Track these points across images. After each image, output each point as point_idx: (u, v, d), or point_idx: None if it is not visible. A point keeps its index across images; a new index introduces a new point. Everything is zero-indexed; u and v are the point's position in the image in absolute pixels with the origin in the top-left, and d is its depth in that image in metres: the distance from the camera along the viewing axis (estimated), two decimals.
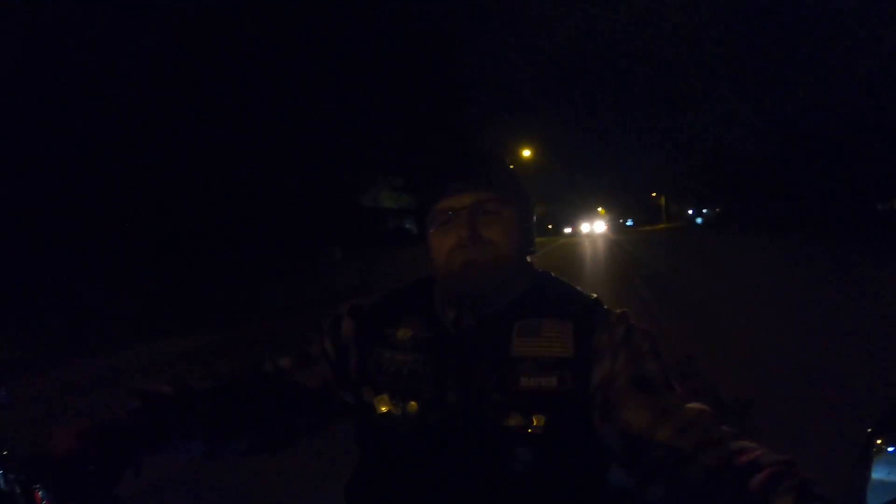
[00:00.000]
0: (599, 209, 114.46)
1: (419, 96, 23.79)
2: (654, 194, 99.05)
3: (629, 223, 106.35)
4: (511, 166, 0.98)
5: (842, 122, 39.12)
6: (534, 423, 0.80)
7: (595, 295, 0.93)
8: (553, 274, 0.99)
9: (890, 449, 0.48)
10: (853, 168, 38.26)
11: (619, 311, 0.90)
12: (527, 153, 36.00)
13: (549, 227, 74.91)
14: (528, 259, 0.98)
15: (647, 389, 0.79)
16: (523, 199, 0.94)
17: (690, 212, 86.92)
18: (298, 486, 2.72)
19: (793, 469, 0.60)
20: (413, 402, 0.86)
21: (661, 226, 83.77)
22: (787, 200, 48.48)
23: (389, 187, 25.75)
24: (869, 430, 0.51)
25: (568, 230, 77.01)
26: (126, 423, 0.78)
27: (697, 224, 77.29)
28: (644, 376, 0.80)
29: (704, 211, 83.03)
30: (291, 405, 0.93)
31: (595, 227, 69.14)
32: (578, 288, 0.95)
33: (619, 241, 36.82)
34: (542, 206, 53.54)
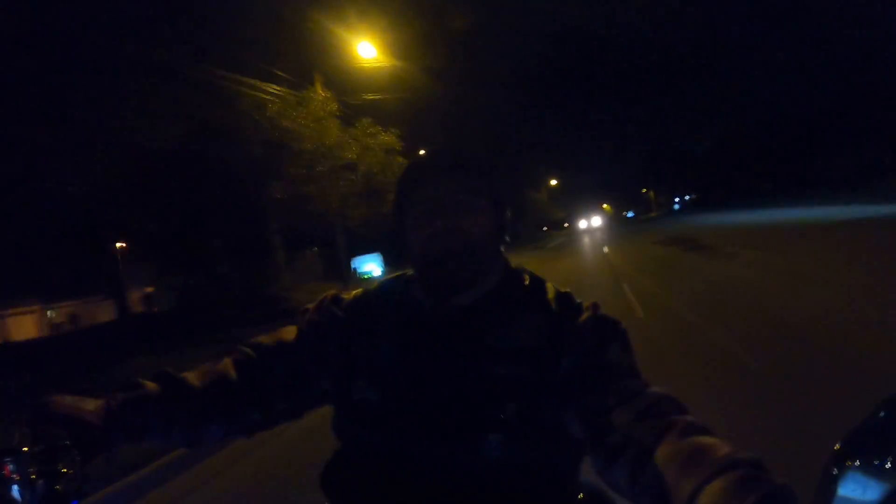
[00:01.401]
0: (605, 206, 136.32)
1: None
2: (644, 190, 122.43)
3: (630, 215, 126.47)
4: (491, 162, 0.96)
5: (769, 129, 57.64)
6: (506, 410, 0.82)
7: (567, 289, 0.95)
8: (527, 269, 1.00)
9: (858, 465, 0.47)
10: (776, 164, 57.21)
11: (588, 302, 0.92)
12: (553, 182, 61.31)
13: (566, 225, 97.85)
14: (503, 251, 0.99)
15: (610, 375, 0.80)
16: (498, 190, 0.95)
17: (676, 200, 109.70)
18: (276, 478, 2.81)
19: (763, 473, 0.57)
20: (389, 390, 0.88)
21: (653, 214, 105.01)
22: (737, 187, 71.50)
23: None
24: (836, 446, 0.49)
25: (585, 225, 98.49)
26: (104, 413, 0.78)
27: (675, 210, 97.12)
28: (607, 362, 0.82)
29: (687, 198, 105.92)
30: (270, 391, 0.93)
31: (592, 221, 78.54)
32: (551, 283, 0.98)
33: (610, 227, 65.60)
34: (564, 213, 78.44)
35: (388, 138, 13.57)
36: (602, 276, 12.96)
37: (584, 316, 0.88)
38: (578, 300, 0.93)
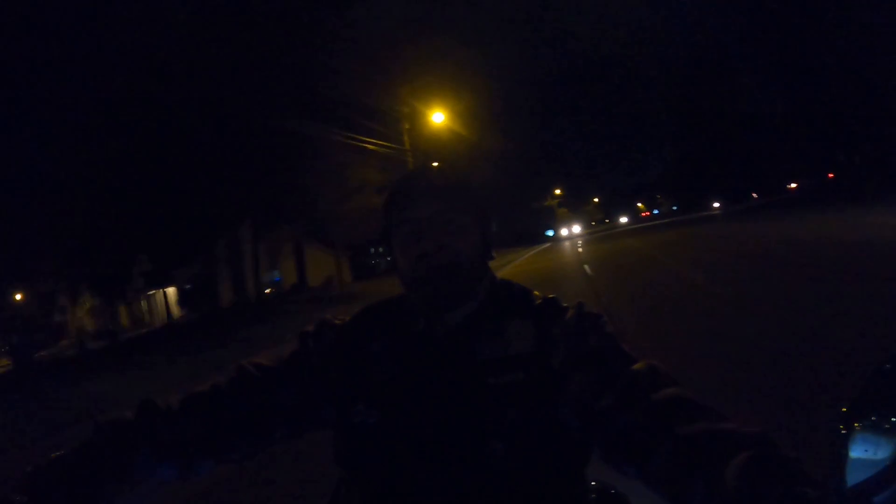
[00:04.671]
0: (639, 204, 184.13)
1: None
2: (658, 196, 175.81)
3: (655, 212, 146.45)
4: (471, 179, 1.00)
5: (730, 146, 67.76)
6: (506, 418, 0.83)
7: (552, 295, 0.97)
8: (513, 281, 1.02)
9: (866, 425, 0.47)
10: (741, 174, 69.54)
11: (573, 303, 0.93)
12: (595, 199, 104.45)
13: (607, 220, 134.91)
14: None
15: (593, 361, 0.82)
16: (481, 208, 0.97)
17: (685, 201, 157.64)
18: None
19: (772, 450, 0.57)
20: (388, 411, 0.88)
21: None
22: (711, 193, 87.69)
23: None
24: (844, 408, 0.49)
25: (624, 219, 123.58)
26: (90, 459, 0.77)
27: (674, 210, 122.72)
28: (591, 350, 0.83)
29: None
30: (272, 420, 0.92)
31: (573, 228, 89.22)
32: (536, 291, 0.99)
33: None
34: (603, 214, 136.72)
35: None
36: None
37: (569, 314, 0.90)
38: (565, 304, 0.94)
